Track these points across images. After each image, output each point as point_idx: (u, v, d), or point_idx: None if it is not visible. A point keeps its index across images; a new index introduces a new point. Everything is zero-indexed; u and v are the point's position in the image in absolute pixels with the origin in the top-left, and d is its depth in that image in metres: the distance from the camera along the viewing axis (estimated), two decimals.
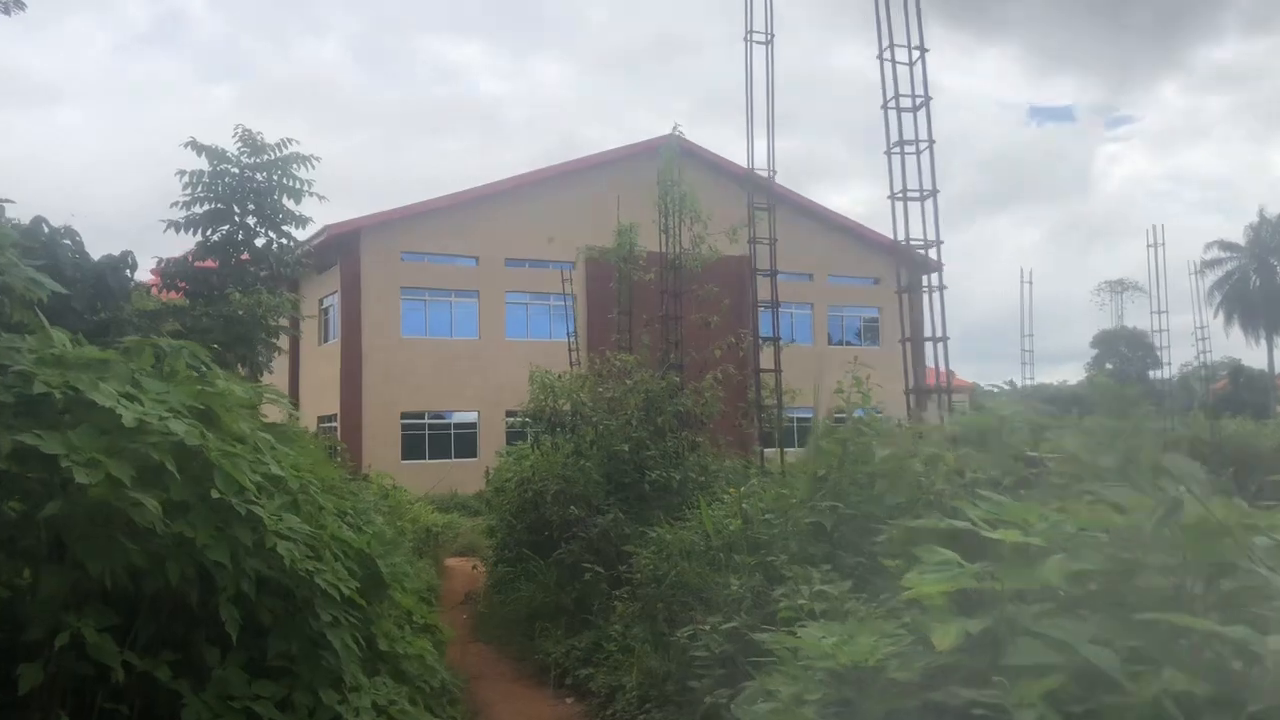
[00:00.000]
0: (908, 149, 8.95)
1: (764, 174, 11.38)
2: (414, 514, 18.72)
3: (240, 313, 9.35)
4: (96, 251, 8.82)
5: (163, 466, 3.83)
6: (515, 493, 13.46)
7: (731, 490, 8.05)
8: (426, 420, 32.55)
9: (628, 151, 33.43)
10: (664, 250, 12.85)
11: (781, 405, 9.41)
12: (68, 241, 8.69)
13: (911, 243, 8.97)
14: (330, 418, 32.48)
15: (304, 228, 10.82)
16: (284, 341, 11.52)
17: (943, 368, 8.22)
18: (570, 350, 18.45)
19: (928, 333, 9.38)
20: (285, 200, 10.58)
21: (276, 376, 37.34)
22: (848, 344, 39.13)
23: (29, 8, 9.44)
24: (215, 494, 4.02)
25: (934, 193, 9.09)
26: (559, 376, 12.74)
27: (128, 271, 8.99)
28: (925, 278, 9.49)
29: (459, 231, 32.58)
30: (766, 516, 6.59)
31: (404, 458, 31.63)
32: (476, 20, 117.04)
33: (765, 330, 11.98)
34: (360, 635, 4.84)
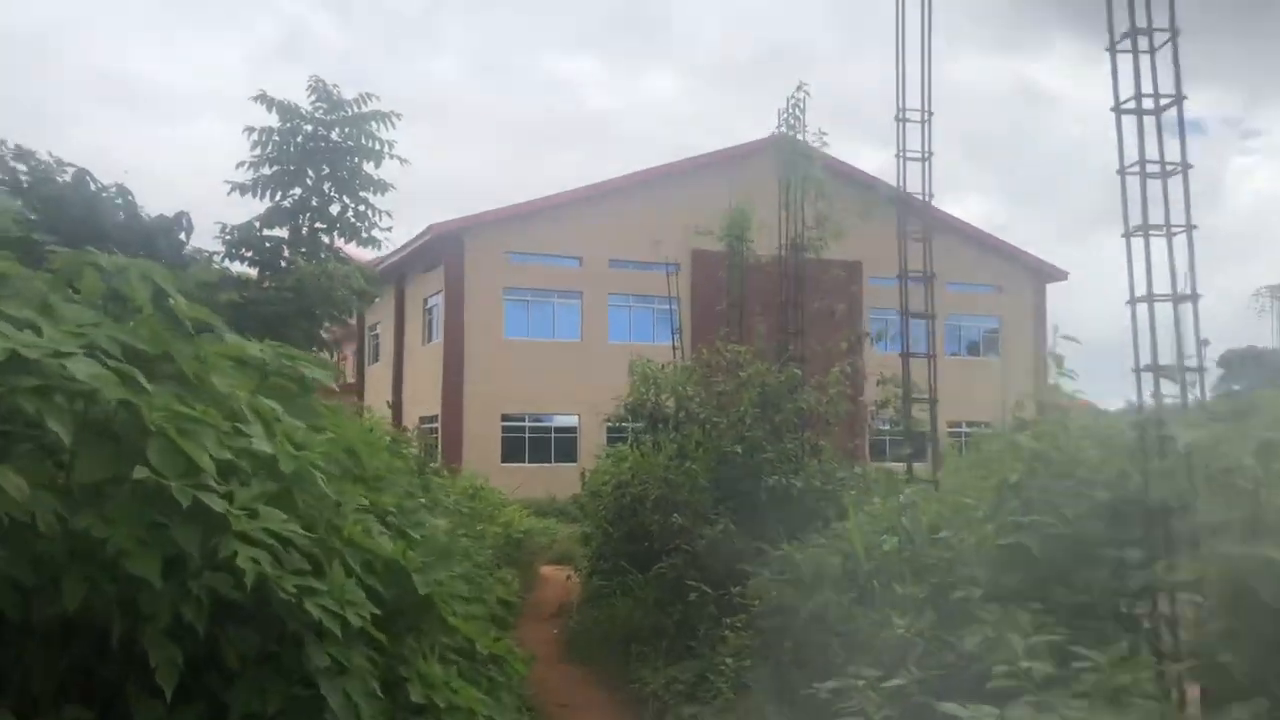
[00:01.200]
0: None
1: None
2: (506, 517, 17.45)
3: (304, 283, 8.18)
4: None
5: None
6: (612, 497, 11.98)
7: (877, 500, 6.34)
8: (527, 423, 31.51)
9: (737, 152, 31.72)
10: (784, 230, 11.19)
11: (936, 407, 7.59)
12: (119, 200, 7.63)
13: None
14: (431, 418, 31.74)
15: (384, 193, 9.60)
16: (355, 319, 10.39)
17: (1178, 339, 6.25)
18: (674, 352, 16.96)
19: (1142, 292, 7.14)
20: (364, 164, 9.38)
21: (380, 374, 37.12)
22: (966, 355, 36.57)
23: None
24: (142, 474, 2.60)
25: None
26: (662, 367, 11.21)
27: (183, 235, 7.89)
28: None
29: (563, 232, 31.49)
30: (939, 536, 4.89)
31: (503, 460, 30.61)
32: (589, 35, 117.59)
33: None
34: (378, 680, 3.37)
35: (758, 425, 9.76)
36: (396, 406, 34.58)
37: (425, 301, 32.97)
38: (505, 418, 30.96)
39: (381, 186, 9.42)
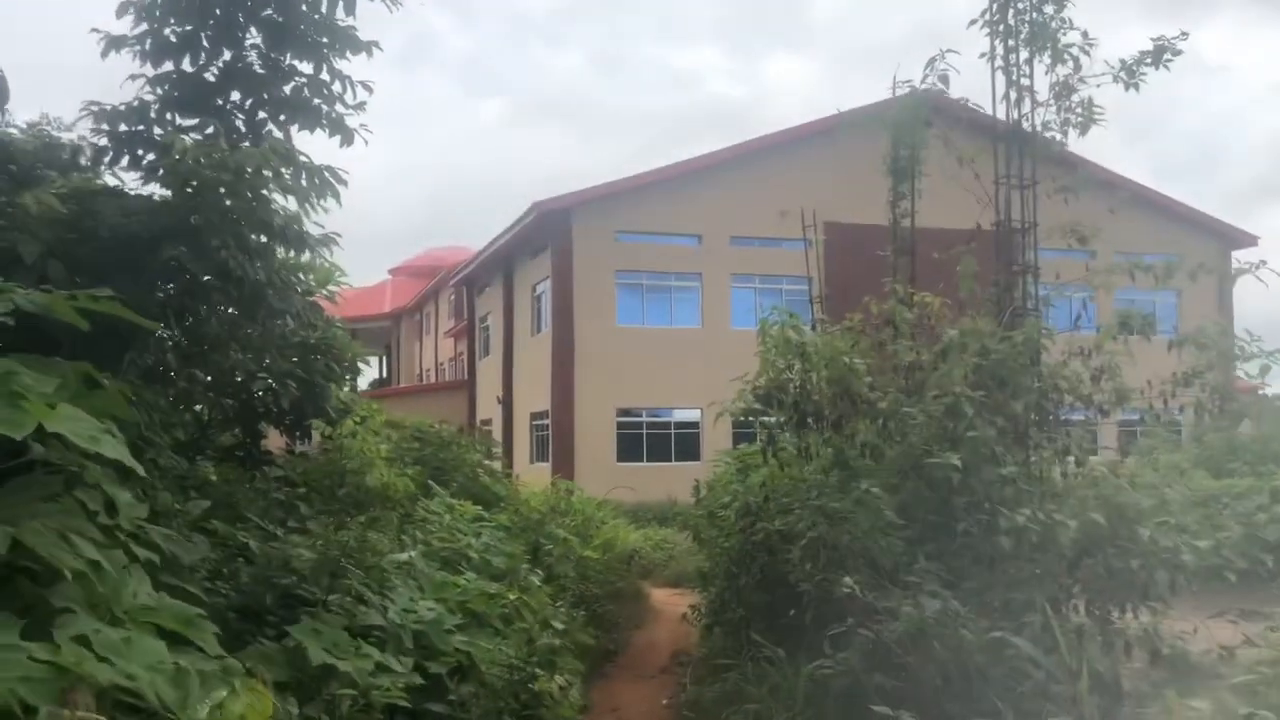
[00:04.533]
0: None
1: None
2: (606, 536, 13.53)
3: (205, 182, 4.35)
4: None
5: None
6: (735, 525, 7.86)
7: None
8: (644, 418, 27.59)
9: (870, 111, 26.73)
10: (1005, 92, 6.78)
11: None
12: None
13: None
14: (542, 414, 28.22)
15: (359, 53, 5.71)
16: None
17: None
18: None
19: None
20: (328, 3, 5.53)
21: (491, 369, 33.85)
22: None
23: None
24: None
25: None
26: (813, 326, 6.96)
27: None
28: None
29: (679, 208, 27.38)
30: None
31: (619, 459, 26.81)
32: (710, 26, 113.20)
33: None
34: None
35: (982, 418, 5.45)
36: (506, 403, 31.27)
37: (534, 289, 29.48)
38: (620, 412, 27.14)
39: (353, 43, 5.54)
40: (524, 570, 6.28)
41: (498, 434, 32.09)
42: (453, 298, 40.54)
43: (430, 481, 7.08)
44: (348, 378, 9.48)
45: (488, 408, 33.15)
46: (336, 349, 9.13)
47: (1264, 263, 6.18)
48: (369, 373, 56.52)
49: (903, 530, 5.69)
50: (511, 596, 5.21)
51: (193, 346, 6.29)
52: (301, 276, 8.95)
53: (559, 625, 5.29)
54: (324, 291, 9.25)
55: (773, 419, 6.87)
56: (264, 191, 5.25)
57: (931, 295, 6.70)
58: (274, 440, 8.50)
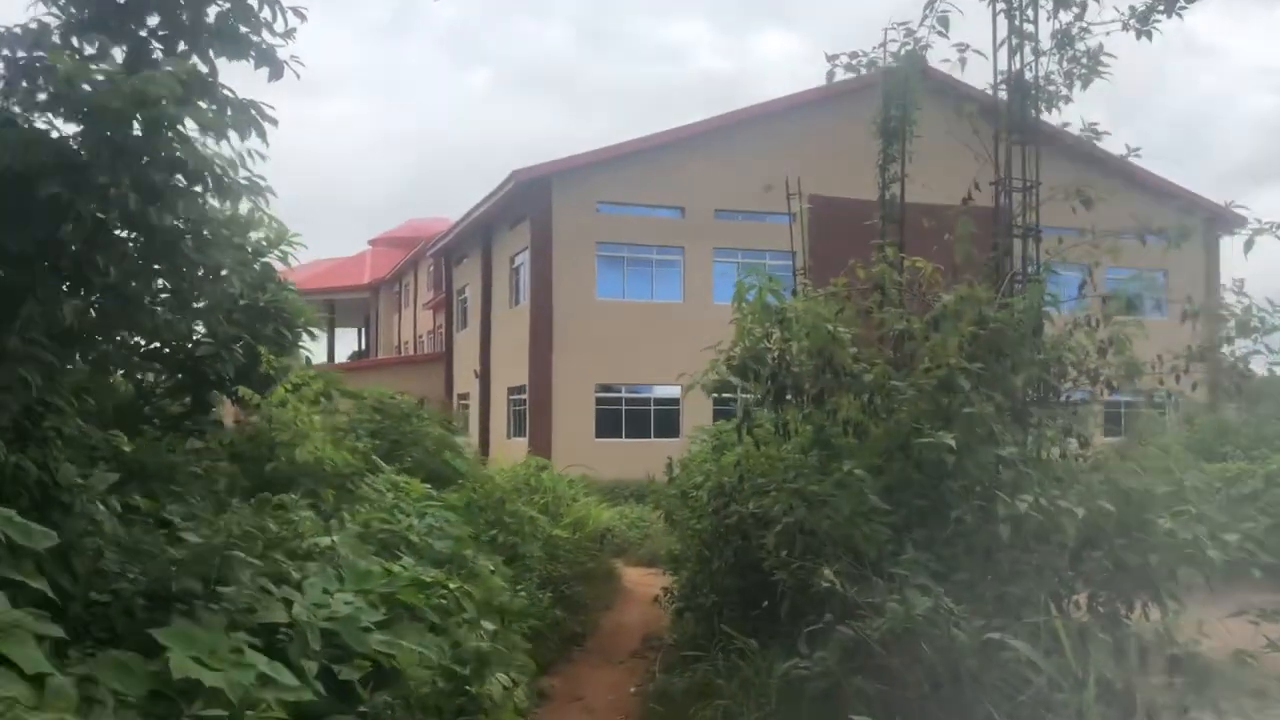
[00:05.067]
0: None
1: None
2: (577, 514, 12.96)
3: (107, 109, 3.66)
4: None
5: None
6: (708, 507, 7.30)
7: None
8: (624, 394, 26.98)
9: (859, 83, 25.95)
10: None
11: None
12: None
13: None
14: (520, 389, 27.58)
15: None
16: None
17: None
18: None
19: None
20: None
21: (468, 342, 33.14)
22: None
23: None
24: None
25: None
26: (794, 292, 6.34)
27: None
28: None
29: (662, 179, 26.63)
30: None
31: (598, 435, 26.24)
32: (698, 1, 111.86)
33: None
34: None
35: (980, 391, 4.88)
36: (484, 376, 30.61)
37: (512, 260, 28.72)
38: (600, 388, 26.52)
39: None
40: (471, 555, 5.68)
41: (475, 408, 31.42)
42: (432, 269, 39.68)
43: (375, 456, 6.45)
44: (300, 344, 8.84)
45: (465, 381, 32.46)
46: (288, 313, 8.47)
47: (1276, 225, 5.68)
48: (348, 344, 55.59)
49: (888, 516, 5.12)
50: (452, 586, 4.61)
51: (109, 304, 5.65)
52: (251, 236, 8.28)
53: (489, 627, 4.66)
54: (276, 253, 8.57)
55: (750, 394, 6.27)
56: (179, 127, 4.60)
57: (923, 260, 6.10)
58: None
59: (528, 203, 26.30)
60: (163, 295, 6.16)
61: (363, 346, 53.71)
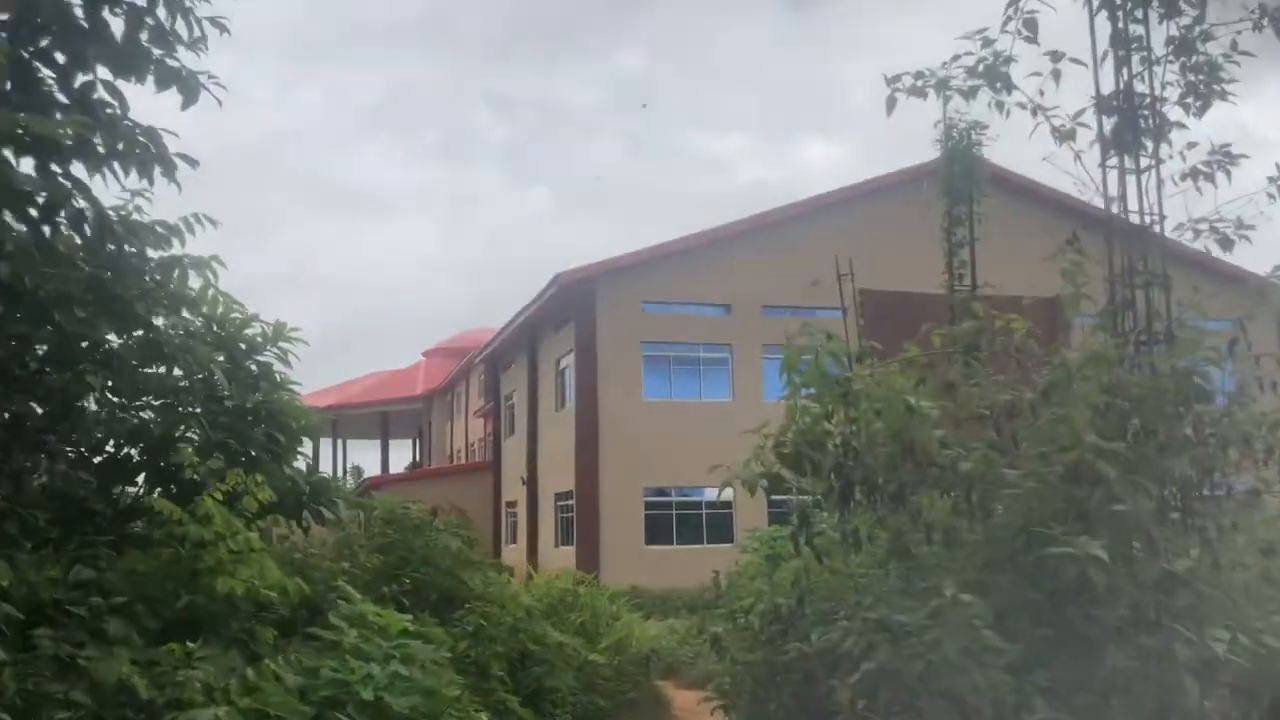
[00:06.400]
0: None
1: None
2: (620, 634, 11.39)
3: None
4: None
5: None
6: (761, 636, 5.82)
7: None
8: (674, 497, 25.43)
9: (910, 174, 24.72)
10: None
11: None
12: None
13: None
14: (567, 495, 26.19)
15: None
16: None
17: None
18: None
19: None
20: None
21: (516, 448, 31.92)
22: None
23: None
24: None
25: None
26: (857, 359, 4.93)
27: None
28: None
29: (707, 277, 25.69)
30: None
31: (648, 541, 24.64)
32: (739, 114, 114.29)
33: None
34: None
35: (1128, 484, 3.46)
36: (531, 483, 29.32)
37: (558, 364, 27.78)
38: (648, 491, 25.02)
39: None
40: (456, 714, 4.30)
41: (523, 516, 30.02)
42: (482, 377, 39.04)
43: (341, 583, 5.18)
44: (300, 451, 7.73)
45: (513, 489, 31.18)
46: (282, 416, 7.39)
47: None
48: (404, 455, 54.86)
49: (1003, 656, 3.64)
50: None
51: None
52: (247, 333, 7.32)
53: None
54: (273, 350, 7.58)
55: (805, 490, 4.87)
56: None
57: (1019, 319, 4.75)
58: None
59: (571, 305, 25.50)
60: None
61: (417, 457, 52.95)
